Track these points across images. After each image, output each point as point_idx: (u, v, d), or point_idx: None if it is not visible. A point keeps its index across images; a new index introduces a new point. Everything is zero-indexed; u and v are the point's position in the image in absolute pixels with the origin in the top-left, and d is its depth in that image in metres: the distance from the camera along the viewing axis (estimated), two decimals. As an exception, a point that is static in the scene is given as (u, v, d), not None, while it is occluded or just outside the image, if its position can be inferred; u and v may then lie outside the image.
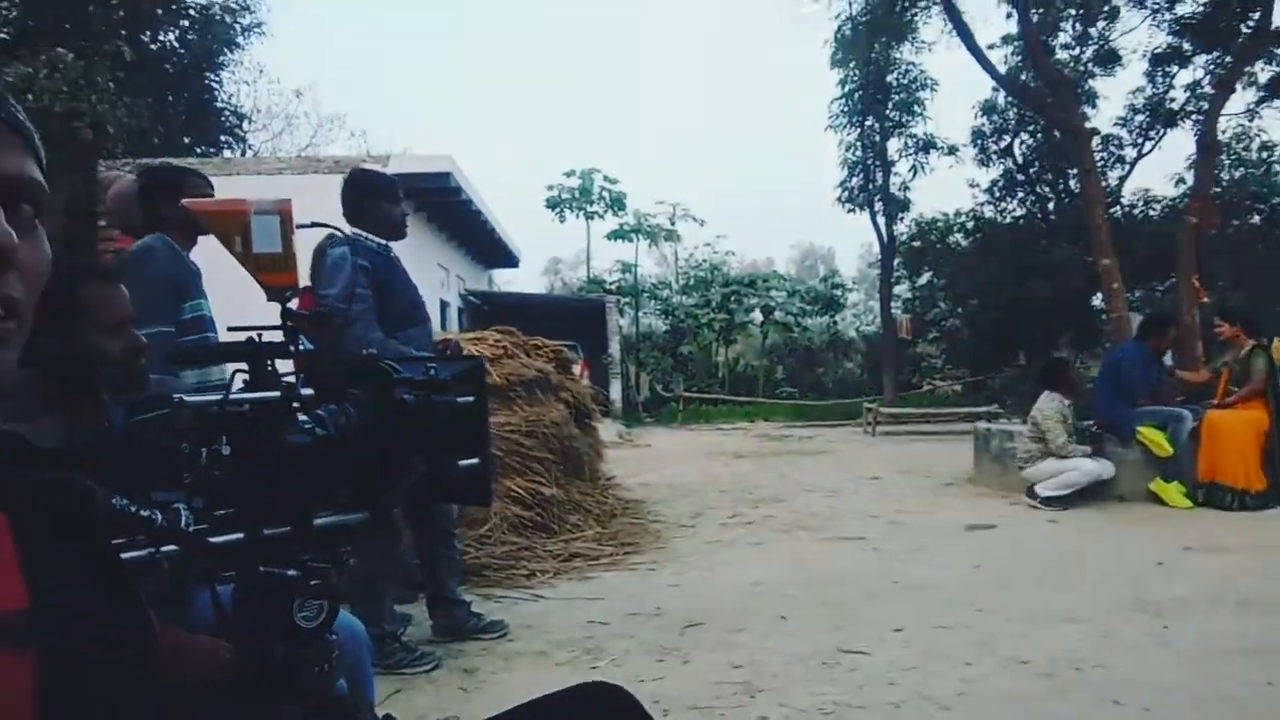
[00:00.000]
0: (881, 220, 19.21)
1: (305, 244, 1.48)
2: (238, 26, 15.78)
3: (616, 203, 23.38)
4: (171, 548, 1.09)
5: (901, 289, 20.66)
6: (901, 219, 19.47)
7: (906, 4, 15.61)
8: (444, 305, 14.22)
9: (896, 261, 19.51)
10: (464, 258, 16.48)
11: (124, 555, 1.06)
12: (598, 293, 22.13)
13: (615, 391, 17.33)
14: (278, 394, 1.28)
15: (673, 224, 24.96)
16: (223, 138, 16.58)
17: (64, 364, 1.51)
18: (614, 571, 4.44)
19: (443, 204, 12.49)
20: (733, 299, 22.78)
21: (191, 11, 14.84)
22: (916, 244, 19.23)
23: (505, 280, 22.91)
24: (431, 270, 13.38)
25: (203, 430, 1.19)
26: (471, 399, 1.41)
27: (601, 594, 4.01)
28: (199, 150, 14.89)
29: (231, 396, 1.21)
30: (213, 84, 16.12)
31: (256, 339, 1.32)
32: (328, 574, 1.28)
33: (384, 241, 3.05)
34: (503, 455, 4.66)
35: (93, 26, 11.23)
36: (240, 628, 1.32)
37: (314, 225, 1.39)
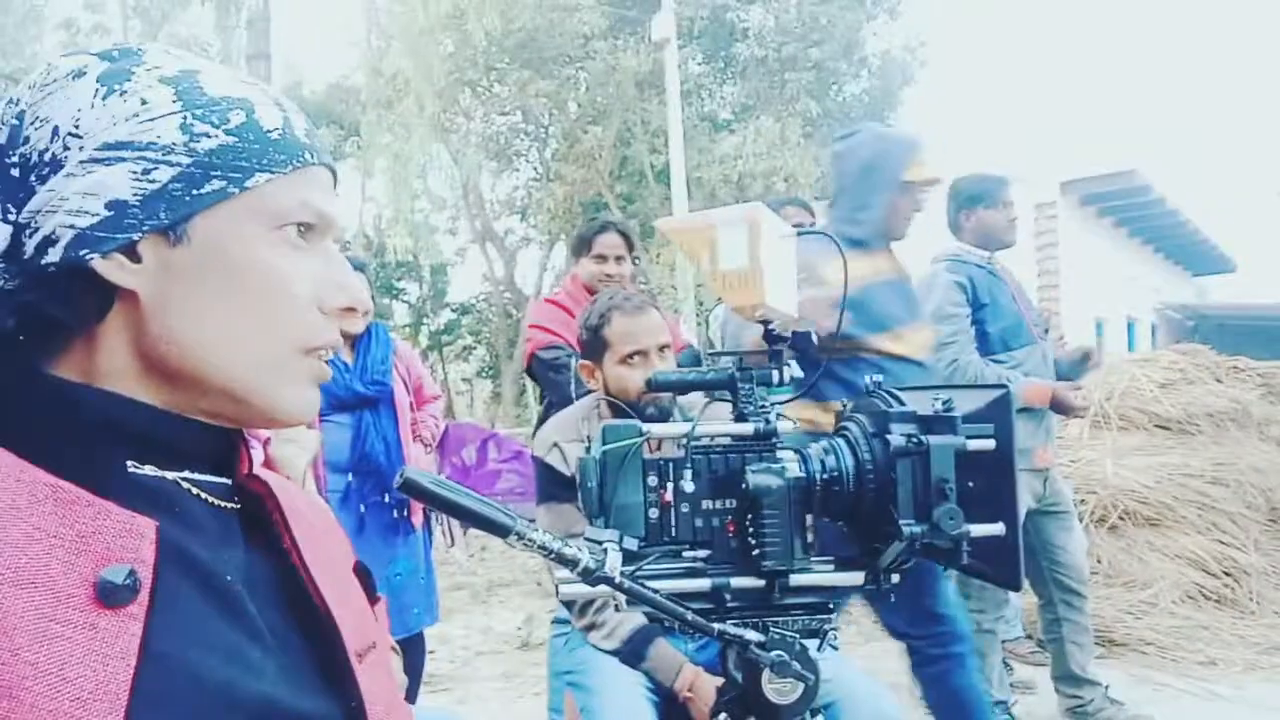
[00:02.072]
0: None
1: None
2: (917, 62, 16.43)
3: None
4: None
5: None
6: None
7: None
8: (1130, 322, 12.52)
9: None
10: (1159, 265, 14.30)
11: (561, 590, 1.03)
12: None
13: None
14: (749, 427, 1.14)
15: None
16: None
17: (605, 391, 1.63)
18: (1346, 682, 3.19)
19: (1129, 206, 11.03)
20: None
21: (873, 59, 15.96)
22: None
23: (1225, 290, 19.20)
24: (1114, 284, 11.90)
25: (670, 464, 1.11)
26: (991, 443, 1.06)
27: (1319, 711, 2.90)
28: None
29: (699, 429, 1.11)
30: (890, 123, 17.08)
31: (738, 365, 1.20)
32: (795, 644, 1.08)
33: (986, 254, 2.71)
34: (1174, 505, 3.76)
35: (787, 91, 12.86)
36: (724, 686, 1.21)
37: (802, 233, 1.22)
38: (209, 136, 0.57)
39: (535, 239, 16.41)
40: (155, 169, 0.55)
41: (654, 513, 1.10)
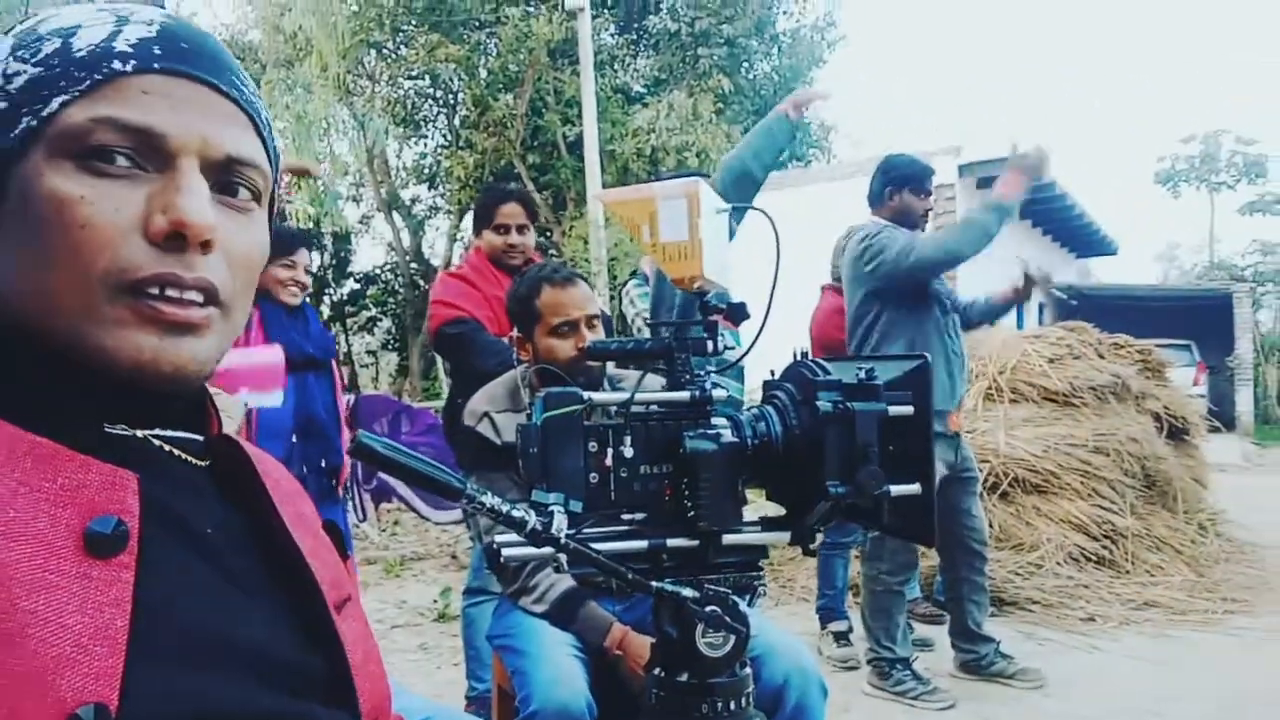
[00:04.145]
0: None
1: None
2: (825, 43, 16.71)
3: (1253, 169, 19.03)
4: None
5: None
6: None
7: None
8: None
9: None
10: (1047, 248, 15.05)
11: (504, 552, 1.05)
12: (1222, 280, 18.36)
13: (1244, 402, 14.13)
14: (685, 395, 1.19)
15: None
16: (809, 150, 17.74)
17: (535, 362, 1.65)
18: (1205, 633, 3.49)
19: (1020, 191, 11.55)
20: None
21: (784, 38, 16.15)
22: None
23: (1105, 271, 20.36)
24: (1006, 264, 12.48)
25: (610, 430, 1.14)
26: (910, 410, 1.13)
27: (1182, 659, 3.17)
28: (787, 165, 16.13)
29: (638, 396, 1.15)
30: (800, 102, 17.31)
31: (674, 335, 1.24)
32: (728, 599, 1.14)
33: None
34: (1059, 473, 4.02)
35: (699, 66, 12.92)
36: (658, 642, 1.26)
37: (735, 208, 1.26)
38: (20, 74, 0.52)
39: (444, 208, 16.08)
40: None
41: (594, 477, 1.14)
